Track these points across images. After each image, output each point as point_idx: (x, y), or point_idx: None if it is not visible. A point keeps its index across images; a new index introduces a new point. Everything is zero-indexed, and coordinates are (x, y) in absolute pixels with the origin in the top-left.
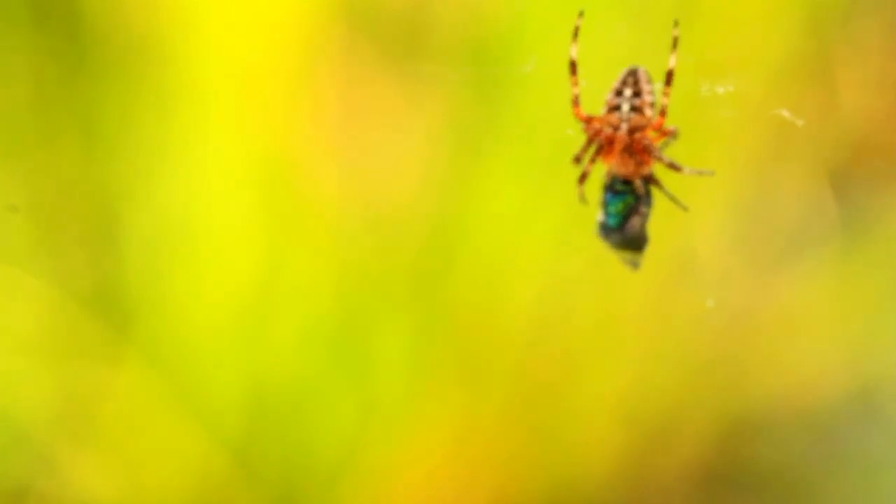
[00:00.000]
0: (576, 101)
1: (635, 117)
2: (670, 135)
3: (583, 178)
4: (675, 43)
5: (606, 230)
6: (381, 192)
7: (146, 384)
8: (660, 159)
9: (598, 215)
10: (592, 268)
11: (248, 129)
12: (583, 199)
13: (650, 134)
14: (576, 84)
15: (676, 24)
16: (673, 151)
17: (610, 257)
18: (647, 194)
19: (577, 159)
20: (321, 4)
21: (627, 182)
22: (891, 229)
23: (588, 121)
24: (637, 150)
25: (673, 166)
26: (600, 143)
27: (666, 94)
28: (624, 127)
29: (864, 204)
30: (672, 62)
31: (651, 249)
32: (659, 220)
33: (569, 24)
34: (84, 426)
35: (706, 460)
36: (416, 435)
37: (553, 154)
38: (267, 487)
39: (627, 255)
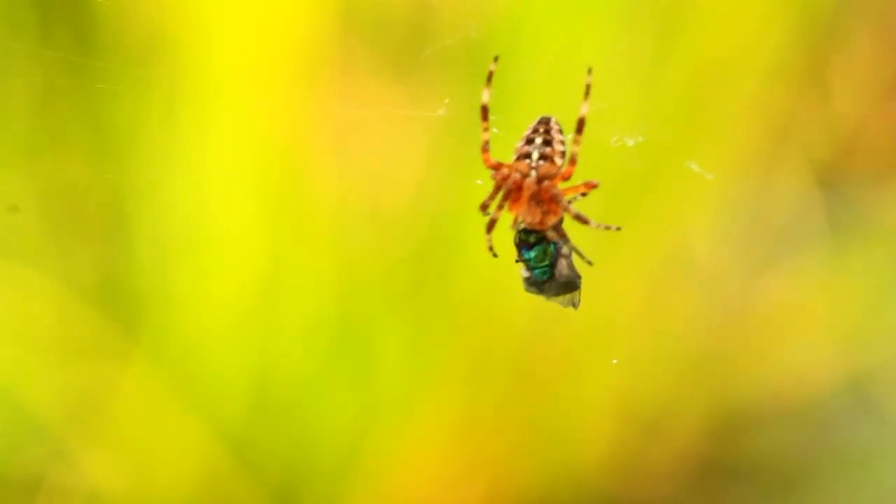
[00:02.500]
0: (485, 147)
1: (545, 165)
2: (594, 187)
3: (490, 226)
4: (587, 91)
5: (537, 284)
6: (381, 192)
7: (153, 381)
8: (567, 210)
9: (522, 272)
10: (589, 266)
11: (251, 131)
12: (491, 250)
13: (564, 185)
14: (486, 129)
15: (590, 71)
16: (582, 202)
17: (609, 257)
18: (563, 236)
19: (485, 207)
20: (322, 10)
21: (537, 232)
22: (879, 227)
23: (497, 167)
24: (545, 198)
25: (580, 218)
26: (508, 189)
27: (577, 143)
28: (533, 174)
29: (853, 202)
30: (584, 110)
31: (645, 248)
32: (652, 222)
33: (568, 24)
34: (94, 420)
35: (699, 452)
36: (416, 429)
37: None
38: (270, 480)
39: (566, 298)
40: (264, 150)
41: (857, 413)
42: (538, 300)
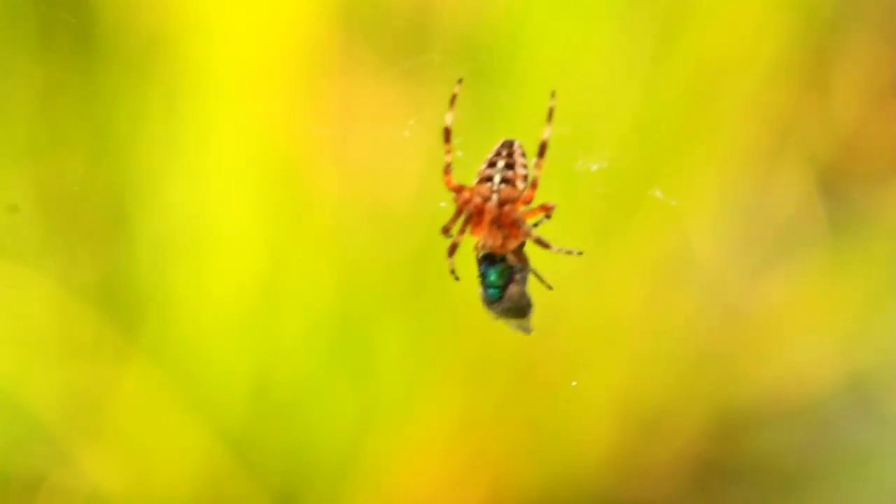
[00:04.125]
0: (447, 170)
1: (506, 189)
2: (550, 210)
3: (452, 249)
4: (550, 114)
5: (489, 302)
6: (381, 192)
7: (153, 381)
8: (528, 234)
9: (479, 289)
10: (589, 266)
11: (251, 131)
12: (454, 273)
13: (523, 208)
14: (448, 152)
15: (553, 95)
16: (544, 227)
17: (609, 257)
18: (522, 261)
19: (446, 230)
20: (322, 9)
21: (498, 255)
22: (879, 228)
23: (459, 190)
24: (506, 223)
25: (541, 242)
26: (469, 213)
27: (538, 167)
28: (494, 198)
29: (853, 203)
30: (546, 134)
31: (645, 249)
32: (652, 222)
33: (568, 24)
34: (94, 420)
35: (699, 452)
36: (416, 429)
37: (551, 153)
38: (270, 480)
39: (515, 321)
40: (264, 149)
41: (857, 413)
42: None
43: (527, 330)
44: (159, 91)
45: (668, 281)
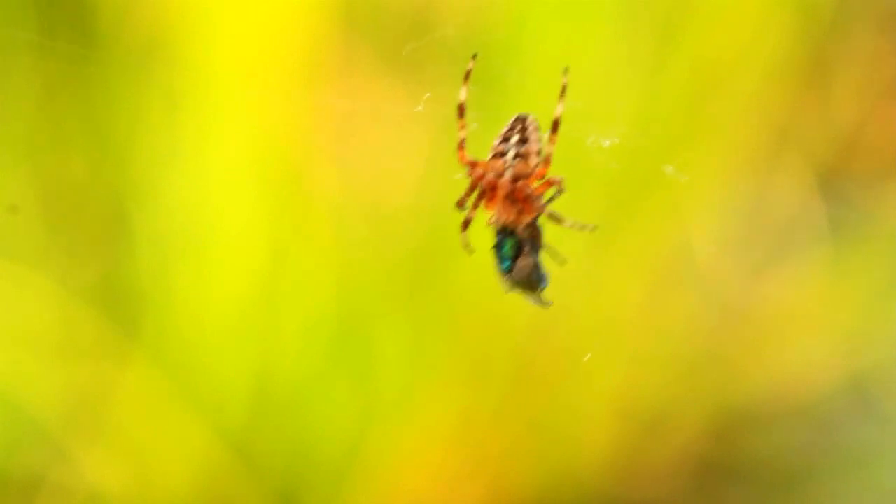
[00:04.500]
0: (461, 145)
1: (519, 164)
2: (556, 184)
3: (466, 224)
4: (563, 91)
5: (501, 273)
6: (381, 192)
7: (153, 380)
8: (541, 209)
9: (495, 260)
10: (589, 266)
11: (252, 130)
12: (468, 247)
13: (535, 183)
14: (463, 127)
15: (566, 71)
16: (557, 202)
17: (609, 257)
18: (535, 237)
19: (461, 204)
20: (322, 9)
21: (512, 229)
22: (880, 228)
23: (473, 165)
24: (519, 198)
25: (554, 217)
26: (483, 188)
27: (552, 143)
28: (508, 173)
29: (853, 202)
30: (559, 110)
31: (645, 248)
32: (652, 222)
33: (569, 21)
34: (94, 420)
35: (699, 452)
36: (416, 428)
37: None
38: (270, 480)
39: (532, 296)
40: (264, 149)
41: (857, 413)
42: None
43: (543, 304)
44: (159, 91)
45: (668, 281)
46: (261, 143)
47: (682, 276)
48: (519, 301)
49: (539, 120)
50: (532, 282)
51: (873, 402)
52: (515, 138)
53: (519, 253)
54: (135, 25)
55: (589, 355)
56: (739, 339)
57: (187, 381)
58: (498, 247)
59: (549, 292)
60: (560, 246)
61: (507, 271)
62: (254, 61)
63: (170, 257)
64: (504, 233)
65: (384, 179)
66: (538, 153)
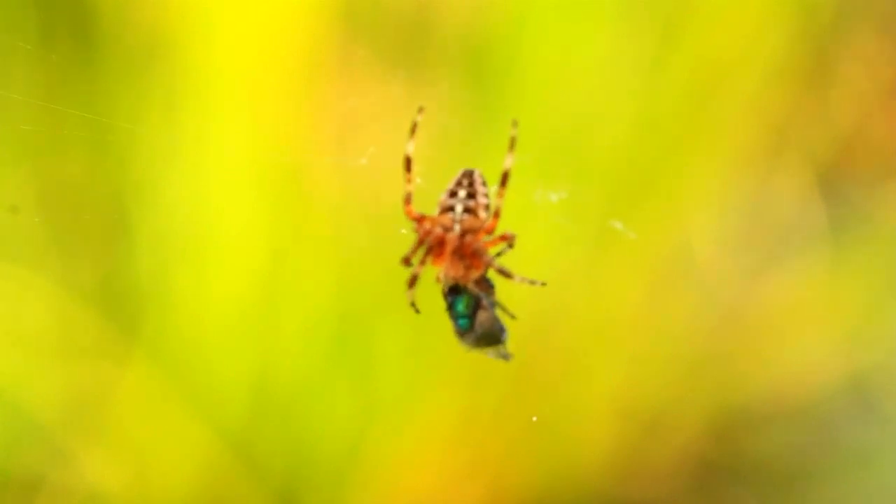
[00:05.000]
0: (408, 199)
1: (468, 219)
2: (509, 240)
3: (413, 281)
4: (512, 143)
5: (461, 334)
6: (381, 192)
7: (153, 381)
8: (489, 264)
9: (451, 323)
10: (589, 266)
11: (251, 131)
12: (414, 306)
13: (484, 238)
14: (409, 181)
15: (515, 124)
16: (505, 257)
17: (607, 257)
18: (489, 289)
19: (407, 261)
20: (322, 9)
21: (462, 286)
22: (879, 228)
23: (420, 220)
24: (467, 253)
25: (503, 272)
26: (430, 244)
27: (500, 196)
28: (456, 228)
29: (853, 202)
30: (508, 163)
31: (645, 249)
32: (652, 222)
33: (569, 24)
34: (94, 420)
35: (699, 451)
36: (416, 429)
37: (549, 155)
38: (270, 480)
39: (493, 350)
40: (264, 149)
41: (857, 413)
42: (539, 300)
43: (506, 357)
44: (159, 91)
45: (668, 281)
46: (261, 143)
47: (682, 276)
48: (519, 301)
49: (486, 174)
50: (495, 333)
51: (873, 402)
52: (463, 193)
53: (476, 308)
54: (135, 25)
55: (535, 418)
56: (739, 339)
57: (187, 381)
58: (451, 307)
59: (546, 300)
60: (558, 251)
61: (468, 329)
62: (254, 61)
63: (170, 257)
64: (454, 292)
65: (384, 180)
66: (486, 207)
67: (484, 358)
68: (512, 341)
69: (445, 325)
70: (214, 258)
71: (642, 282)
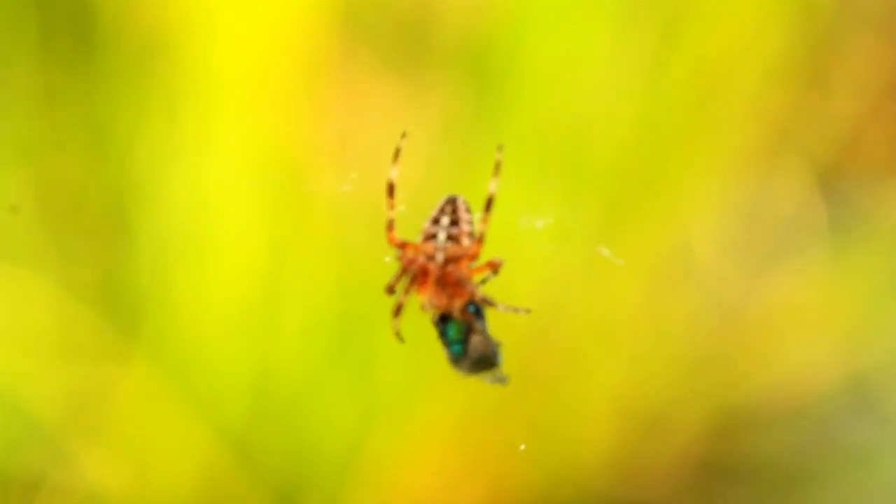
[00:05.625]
0: (390, 226)
1: (451, 247)
2: (494, 267)
3: (397, 310)
4: (497, 168)
5: (455, 360)
6: (381, 192)
7: (153, 381)
8: (473, 294)
9: (444, 351)
10: (588, 265)
11: (252, 131)
12: (399, 336)
13: (469, 265)
14: (392, 207)
15: (500, 148)
16: (489, 284)
17: (607, 257)
18: (479, 311)
19: (391, 289)
20: (322, 9)
21: (449, 313)
22: (880, 227)
23: (403, 247)
24: (450, 282)
25: (486, 302)
26: (413, 274)
27: (484, 221)
28: (439, 256)
29: (853, 202)
30: (492, 188)
31: (644, 249)
32: (651, 221)
33: (571, 25)
34: (94, 420)
35: (699, 452)
36: (416, 429)
37: (549, 154)
38: (270, 480)
39: (488, 374)
40: (264, 149)
41: (857, 413)
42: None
43: (503, 381)
44: (159, 91)
45: (668, 281)
46: (261, 143)
47: (682, 276)
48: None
49: (470, 201)
50: (490, 356)
51: (873, 402)
52: (446, 220)
53: (468, 332)
54: (135, 26)
55: (523, 446)
56: (739, 339)
57: (187, 381)
58: (443, 334)
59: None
60: (557, 244)
61: (463, 354)
62: (254, 61)
63: (170, 257)
64: (443, 319)
65: (384, 180)
66: (470, 234)
67: None
68: (511, 342)
69: None
70: (214, 258)
71: (642, 282)
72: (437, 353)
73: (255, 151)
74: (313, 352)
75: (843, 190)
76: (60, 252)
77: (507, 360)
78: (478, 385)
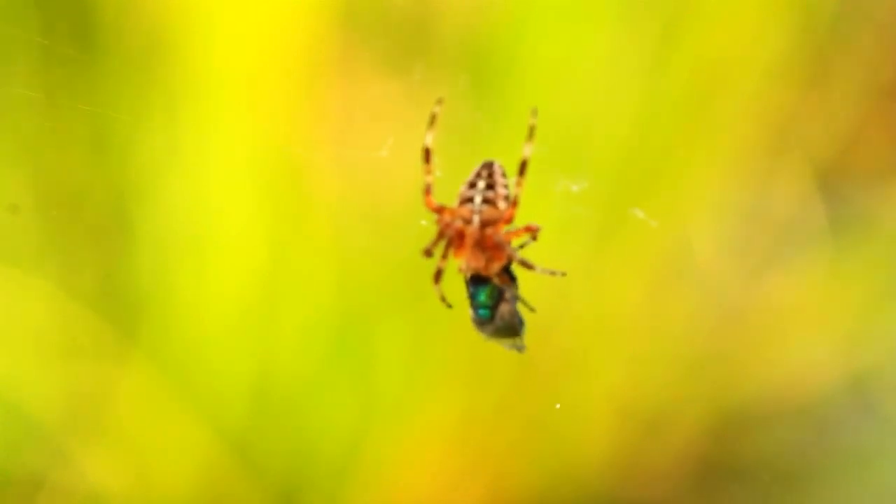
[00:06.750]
0: (428, 190)
1: (487, 210)
2: (533, 232)
3: (438, 275)
4: (531, 132)
5: (480, 323)
6: (381, 192)
7: (153, 381)
8: (511, 256)
9: (470, 311)
10: (589, 265)
11: (252, 131)
12: (444, 300)
13: (505, 228)
14: (429, 172)
15: (534, 112)
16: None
17: (606, 258)
18: (510, 280)
19: (428, 252)
20: (322, 9)
21: (484, 277)
22: (879, 228)
23: (440, 211)
24: (488, 245)
25: (525, 264)
26: (451, 236)
27: (519, 185)
28: (476, 220)
29: (853, 202)
30: (527, 152)
31: (645, 249)
32: (651, 221)
33: (571, 23)
34: (94, 420)
35: (699, 451)
36: (416, 429)
37: (549, 153)
38: (270, 480)
39: (508, 341)
40: (264, 150)
41: (857, 413)
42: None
43: (521, 349)
44: (159, 91)
45: (668, 281)
46: (261, 143)
47: (682, 276)
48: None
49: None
50: (515, 326)
51: (873, 402)
52: (482, 184)
53: (499, 299)
54: (135, 25)
55: (558, 405)
56: (739, 339)
57: (187, 381)
58: (473, 296)
59: (546, 300)
60: (559, 249)
61: (489, 319)
62: (254, 61)
63: (170, 257)
64: (476, 282)
65: (384, 180)
66: (506, 198)
67: (485, 357)
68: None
69: (445, 325)
70: (214, 258)
71: (642, 282)
72: (437, 353)
73: (255, 151)
74: (313, 352)
75: (843, 190)
76: (60, 252)
77: (507, 359)
78: (478, 385)
